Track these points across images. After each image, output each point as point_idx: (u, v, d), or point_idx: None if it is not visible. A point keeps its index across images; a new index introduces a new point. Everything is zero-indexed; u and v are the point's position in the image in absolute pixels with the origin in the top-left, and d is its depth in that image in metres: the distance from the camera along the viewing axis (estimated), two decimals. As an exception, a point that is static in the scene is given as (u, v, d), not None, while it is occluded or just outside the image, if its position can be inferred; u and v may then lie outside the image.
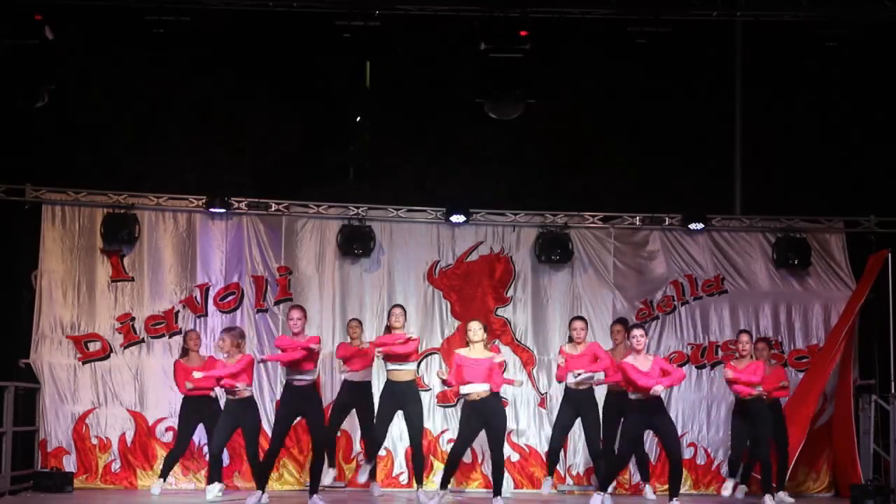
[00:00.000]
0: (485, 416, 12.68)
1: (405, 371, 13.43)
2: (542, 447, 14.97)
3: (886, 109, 15.26)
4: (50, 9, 13.97)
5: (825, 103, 15.40)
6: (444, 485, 12.88)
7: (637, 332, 12.77)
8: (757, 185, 15.95)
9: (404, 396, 13.36)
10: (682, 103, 15.53)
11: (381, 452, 14.77)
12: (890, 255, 14.59)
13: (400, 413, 13.46)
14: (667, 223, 15.40)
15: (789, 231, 15.33)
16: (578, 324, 13.58)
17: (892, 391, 14.37)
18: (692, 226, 15.27)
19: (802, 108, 15.52)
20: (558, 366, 13.59)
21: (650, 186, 15.67)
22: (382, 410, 13.44)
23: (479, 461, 14.95)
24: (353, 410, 14.09)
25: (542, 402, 15.08)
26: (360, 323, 14.41)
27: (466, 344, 12.99)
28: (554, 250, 15.20)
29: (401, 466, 14.90)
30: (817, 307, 15.32)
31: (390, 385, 13.41)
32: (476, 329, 12.79)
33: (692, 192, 15.63)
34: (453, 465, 12.94)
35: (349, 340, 14.20)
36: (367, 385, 14.06)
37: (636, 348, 12.69)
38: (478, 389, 12.64)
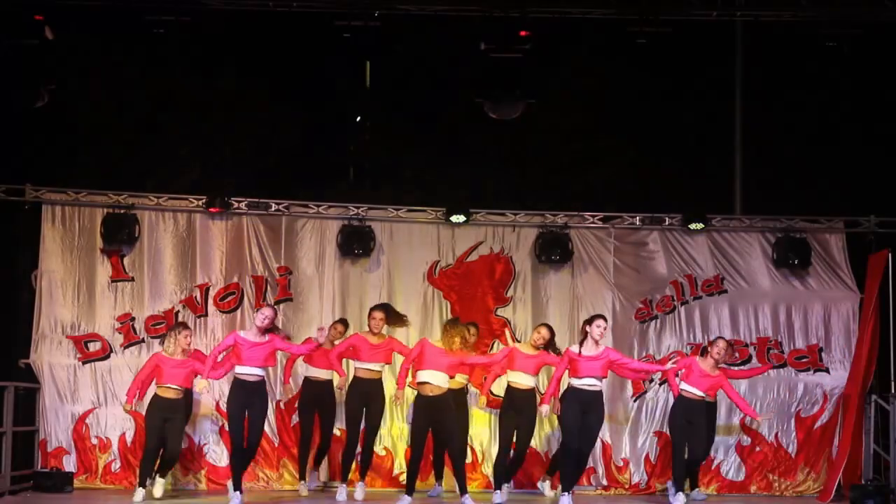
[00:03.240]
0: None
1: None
2: (542, 447, 14.98)
3: (886, 109, 15.26)
4: (50, 9, 13.98)
5: (825, 103, 15.39)
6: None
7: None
8: (757, 185, 15.95)
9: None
10: (682, 103, 15.53)
11: (381, 452, 14.80)
12: (890, 254, 14.60)
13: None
14: (667, 223, 15.40)
15: (789, 231, 15.33)
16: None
17: (893, 391, 14.37)
18: (692, 226, 15.26)
19: (802, 108, 15.51)
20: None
21: (650, 186, 15.67)
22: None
23: (479, 461, 14.95)
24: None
25: (542, 402, 15.05)
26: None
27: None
28: (554, 250, 15.19)
29: (401, 466, 14.89)
30: (817, 307, 15.31)
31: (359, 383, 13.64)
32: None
33: (692, 192, 15.63)
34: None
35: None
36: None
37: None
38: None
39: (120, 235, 14.87)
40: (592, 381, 12.97)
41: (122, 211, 14.91)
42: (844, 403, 14.71)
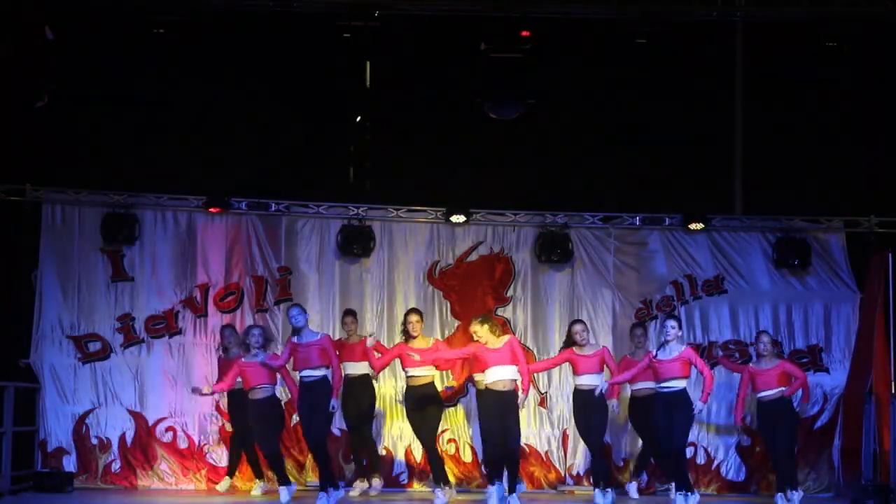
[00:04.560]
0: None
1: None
2: (542, 447, 14.98)
3: (887, 109, 15.26)
4: (50, 9, 13.98)
5: (825, 103, 15.38)
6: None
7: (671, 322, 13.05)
8: (757, 185, 15.94)
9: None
10: (681, 103, 15.51)
11: (382, 452, 14.79)
12: (890, 255, 14.60)
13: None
14: (667, 223, 15.39)
15: (789, 231, 15.33)
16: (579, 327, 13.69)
17: (893, 391, 14.37)
18: (692, 226, 15.26)
19: (802, 107, 15.50)
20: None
21: (650, 186, 15.65)
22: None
23: (480, 461, 14.93)
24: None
25: (543, 402, 15.06)
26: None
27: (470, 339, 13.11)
28: (554, 250, 15.19)
29: (401, 466, 14.89)
30: (817, 307, 15.31)
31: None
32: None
33: (692, 192, 15.61)
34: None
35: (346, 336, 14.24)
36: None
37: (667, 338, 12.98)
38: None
39: (120, 235, 14.87)
40: (671, 382, 12.93)
41: (122, 211, 14.92)
42: (876, 403, 14.62)
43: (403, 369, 13.56)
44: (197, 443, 14.68)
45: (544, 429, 14.99)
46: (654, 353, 13.01)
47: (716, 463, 15.02)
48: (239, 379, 13.25)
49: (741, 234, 15.45)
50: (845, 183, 15.46)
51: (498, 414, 12.79)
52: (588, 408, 13.47)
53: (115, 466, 14.71)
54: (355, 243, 15.09)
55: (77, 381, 14.76)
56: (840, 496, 14.65)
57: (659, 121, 15.60)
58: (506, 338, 12.94)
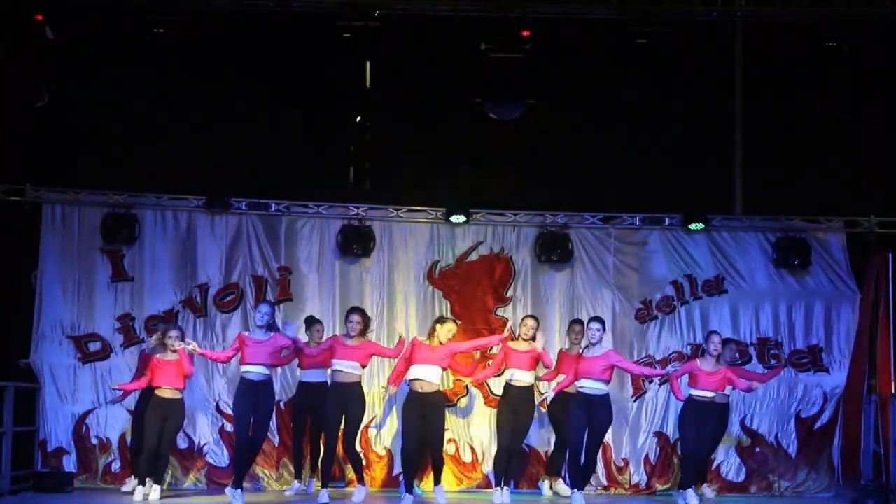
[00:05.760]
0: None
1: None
2: (543, 447, 14.97)
3: (886, 109, 15.26)
4: (50, 9, 13.99)
5: (825, 103, 15.39)
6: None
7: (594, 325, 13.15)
8: (757, 185, 15.95)
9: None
10: (681, 103, 15.52)
11: (381, 452, 14.81)
12: (890, 255, 14.60)
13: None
14: (667, 223, 15.39)
15: (789, 231, 15.33)
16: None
17: (892, 391, 14.37)
18: (692, 226, 15.25)
19: (802, 107, 15.51)
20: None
21: (650, 186, 15.66)
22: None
23: (479, 461, 14.95)
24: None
25: (543, 403, 15.04)
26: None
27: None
28: (554, 250, 15.19)
29: (401, 466, 14.87)
30: (817, 307, 15.30)
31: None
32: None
33: (692, 192, 15.62)
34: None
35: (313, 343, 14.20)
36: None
37: (591, 341, 13.08)
38: None
39: (120, 235, 14.87)
40: (592, 382, 12.99)
41: (122, 211, 14.92)
42: (881, 403, 14.61)
43: (331, 360, 13.42)
44: (197, 443, 14.68)
45: (544, 429, 14.97)
46: (582, 350, 13.19)
47: (716, 463, 15.00)
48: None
49: (741, 234, 15.45)
50: (845, 183, 15.47)
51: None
52: (519, 406, 13.74)
53: (115, 466, 14.70)
54: (355, 243, 15.09)
55: (77, 381, 14.75)
56: (840, 496, 14.66)
57: (659, 121, 15.62)
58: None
